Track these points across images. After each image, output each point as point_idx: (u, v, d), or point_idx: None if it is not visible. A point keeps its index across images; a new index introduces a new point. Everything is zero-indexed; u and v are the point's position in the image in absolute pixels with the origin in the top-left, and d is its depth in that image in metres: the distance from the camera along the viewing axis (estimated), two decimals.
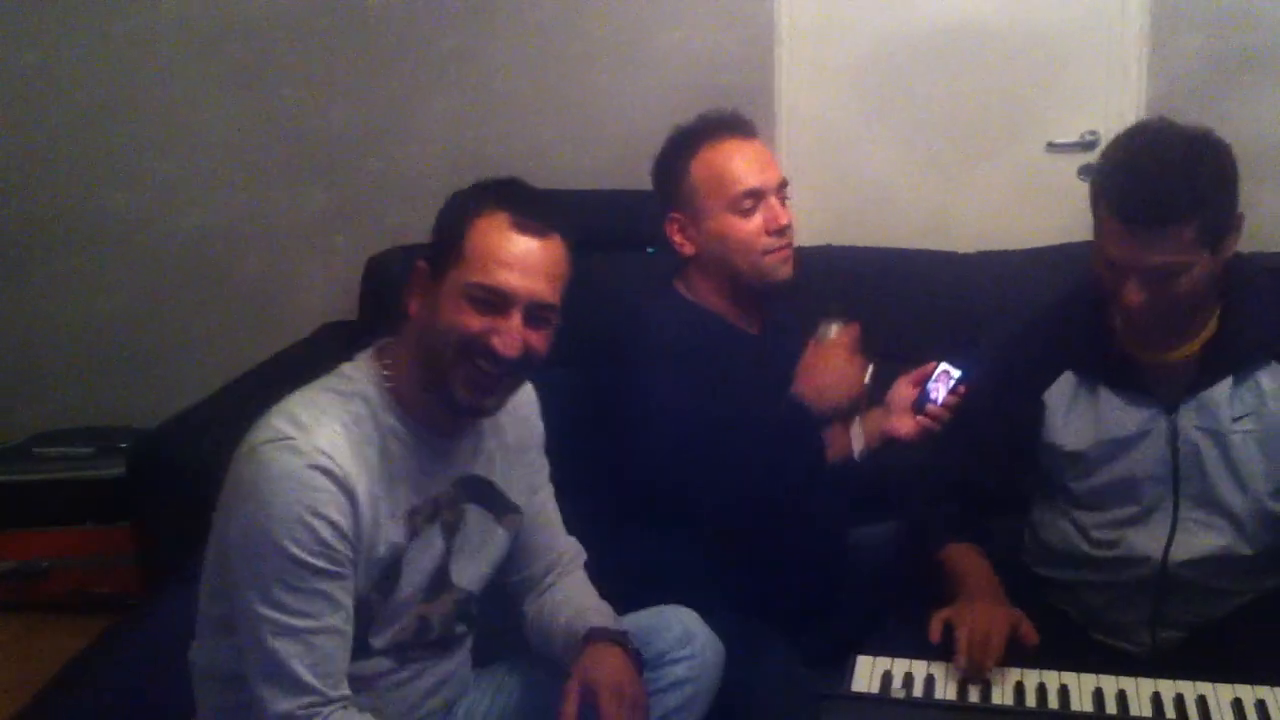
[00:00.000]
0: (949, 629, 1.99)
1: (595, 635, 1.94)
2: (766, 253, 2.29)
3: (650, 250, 3.36)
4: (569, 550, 2.15)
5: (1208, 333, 2.13)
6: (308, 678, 1.70)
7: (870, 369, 2.31)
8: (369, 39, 3.78)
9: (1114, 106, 3.50)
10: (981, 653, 1.94)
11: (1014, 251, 3.35)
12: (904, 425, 2.37)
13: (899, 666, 1.98)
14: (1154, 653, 2.18)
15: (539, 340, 1.81)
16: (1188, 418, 2.11)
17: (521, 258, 1.78)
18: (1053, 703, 1.91)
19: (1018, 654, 1.97)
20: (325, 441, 1.72)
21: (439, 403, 1.83)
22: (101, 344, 4.05)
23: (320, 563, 1.70)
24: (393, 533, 1.80)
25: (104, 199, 3.97)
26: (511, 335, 1.77)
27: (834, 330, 2.32)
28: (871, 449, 2.41)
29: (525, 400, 2.05)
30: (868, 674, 1.97)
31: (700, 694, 2.02)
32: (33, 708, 2.38)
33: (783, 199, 2.32)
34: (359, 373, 1.85)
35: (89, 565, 3.60)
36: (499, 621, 2.12)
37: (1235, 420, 2.10)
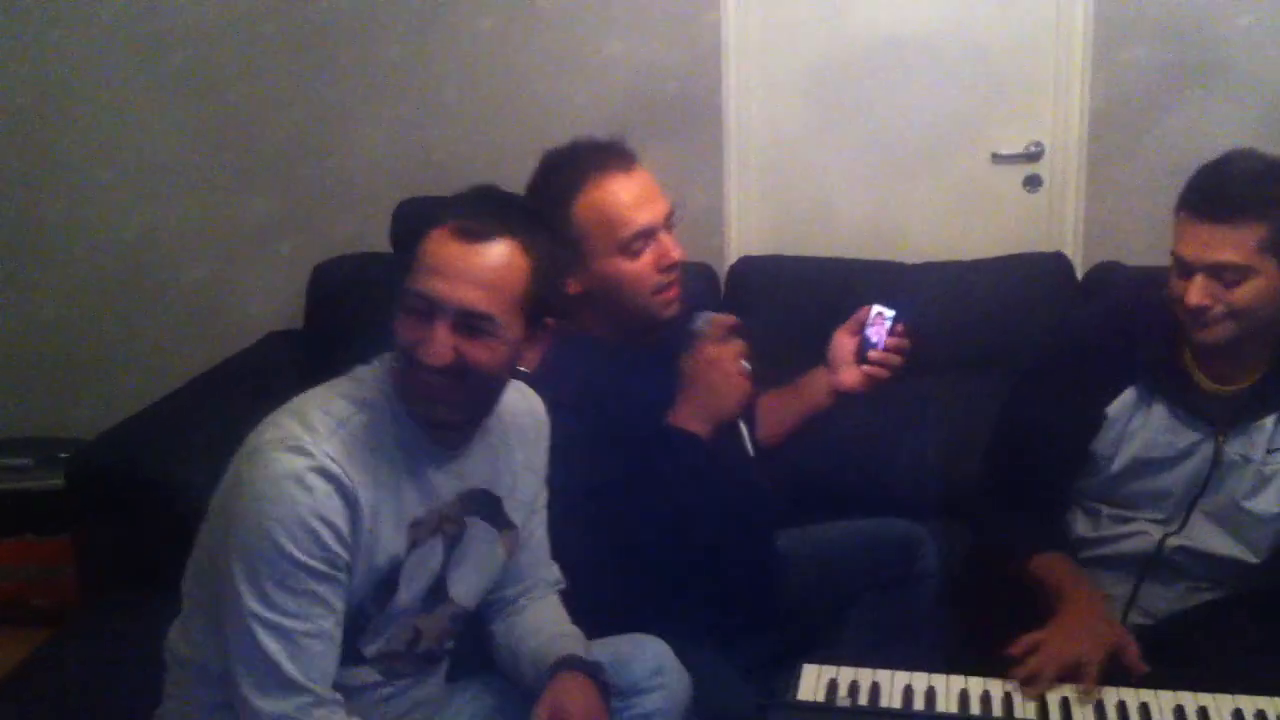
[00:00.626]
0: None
1: (566, 664, 1.91)
2: (656, 291, 2.20)
3: None
4: (549, 576, 2.13)
5: (1266, 364, 2.19)
6: (299, 679, 1.69)
7: (744, 359, 2.24)
8: (314, 47, 3.75)
9: (1059, 118, 3.53)
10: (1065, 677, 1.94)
11: (959, 262, 3.37)
12: (850, 377, 2.38)
13: (845, 675, 1.98)
14: None
15: (477, 351, 1.73)
16: (1233, 445, 2.19)
17: (451, 263, 1.72)
18: (996, 709, 1.92)
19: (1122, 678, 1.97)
20: (333, 447, 1.70)
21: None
22: (41, 353, 3.99)
23: (319, 565, 1.69)
24: (393, 543, 1.79)
25: (44, 206, 3.92)
26: (435, 344, 1.71)
27: (700, 321, 2.28)
28: (824, 409, 2.42)
29: (536, 423, 2.03)
30: (813, 682, 1.97)
31: None
32: None
33: (670, 228, 2.23)
34: (372, 380, 1.83)
35: (27, 577, 3.54)
36: (472, 638, 2.09)
37: (1270, 452, 2.18)
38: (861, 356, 2.37)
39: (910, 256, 3.43)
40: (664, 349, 2.27)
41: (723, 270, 3.49)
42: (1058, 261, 3.34)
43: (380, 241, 3.52)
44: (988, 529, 2.39)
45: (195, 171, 3.86)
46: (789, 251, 3.51)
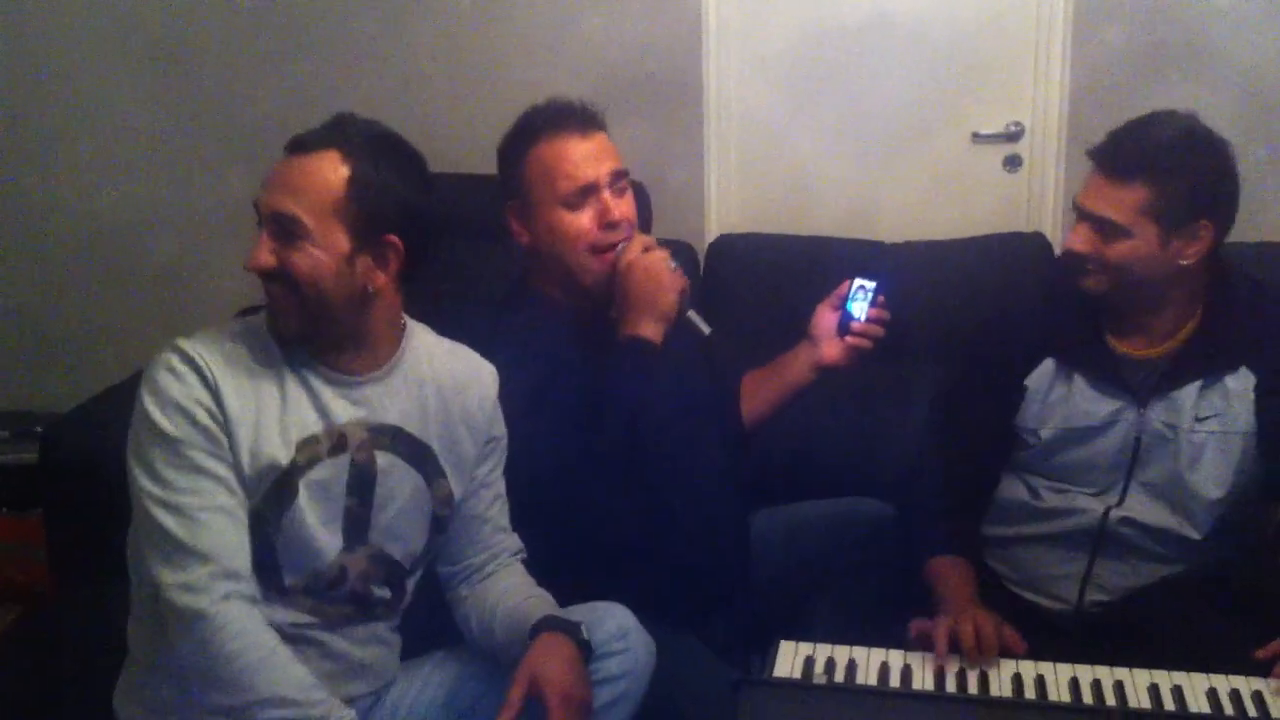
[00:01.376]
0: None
1: (545, 624, 1.93)
2: (594, 249, 2.23)
3: None
4: (511, 545, 2.14)
5: (1185, 333, 2.20)
6: (200, 548, 1.75)
7: (669, 258, 2.25)
8: (290, 23, 3.72)
9: (1039, 98, 3.53)
10: (983, 648, 1.96)
11: (939, 241, 3.36)
12: (832, 350, 2.39)
13: (821, 651, 1.98)
14: (1078, 615, 2.22)
15: (296, 257, 1.82)
16: (1155, 413, 2.19)
17: (274, 174, 1.86)
18: (973, 687, 1.92)
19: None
20: (200, 344, 1.83)
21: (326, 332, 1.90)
22: (16, 326, 3.98)
23: (197, 439, 1.78)
24: (278, 449, 1.84)
25: (19, 181, 3.89)
26: (257, 250, 1.83)
27: (622, 244, 2.27)
28: (807, 384, 2.43)
29: (477, 381, 2.07)
30: (790, 659, 1.97)
31: (632, 690, 2.01)
32: None
33: (620, 191, 2.27)
34: (256, 316, 1.94)
35: (2, 552, 3.51)
36: (428, 614, 2.10)
37: (1199, 420, 2.19)
38: (843, 329, 2.37)
39: (889, 236, 3.42)
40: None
41: (702, 248, 3.48)
42: (1037, 241, 3.34)
43: None
44: (905, 522, 2.41)
45: (170, 147, 3.84)
46: (768, 230, 3.50)
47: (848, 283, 2.38)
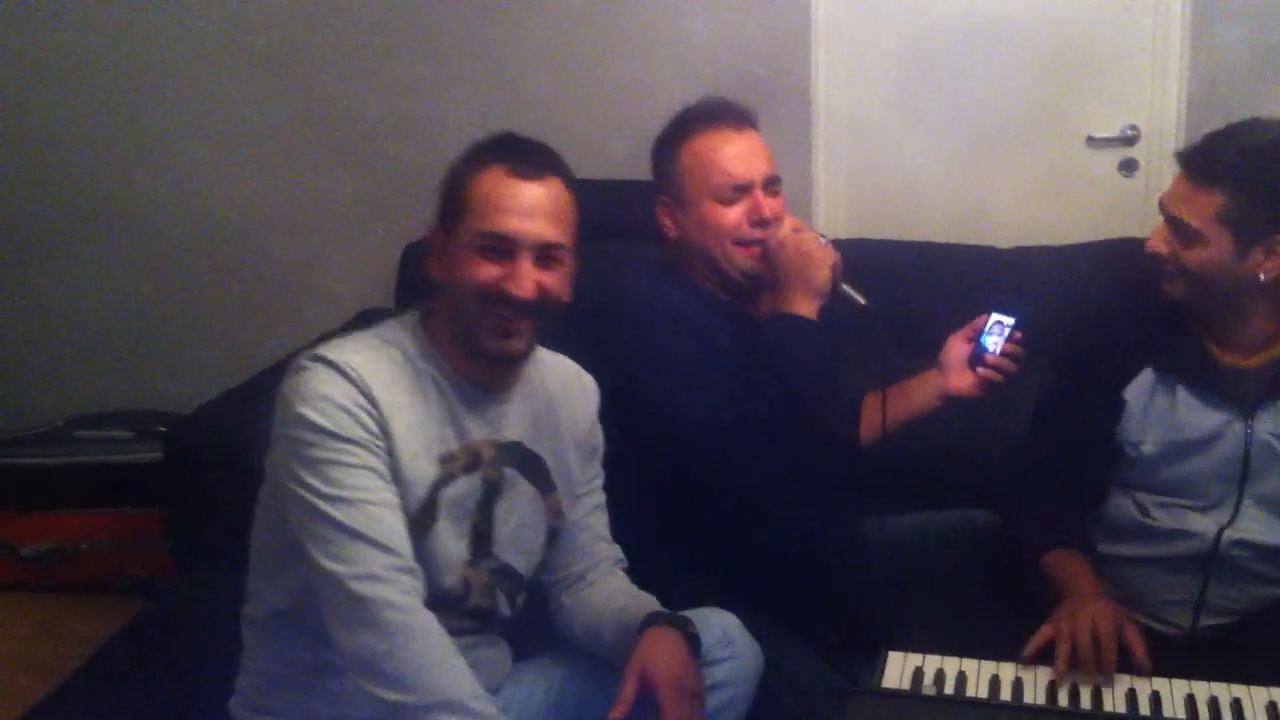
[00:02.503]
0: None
1: (654, 619, 1.94)
2: (740, 242, 2.28)
3: None
4: (611, 553, 2.16)
5: None
6: (380, 538, 1.76)
7: (819, 235, 2.32)
8: (401, 27, 3.77)
9: (1155, 101, 3.46)
10: (1093, 661, 1.93)
11: (1052, 247, 3.32)
12: (963, 381, 2.39)
13: (930, 663, 1.97)
14: (1191, 639, 2.17)
15: (553, 281, 1.88)
16: (1263, 423, 2.14)
17: (522, 202, 1.87)
18: (1085, 702, 1.90)
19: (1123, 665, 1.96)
20: (354, 359, 1.82)
21: (471, 355, 1.91)
22: (138, 327, 4.08)
23: (364, 438, 1.79)
24: (426, 468, 1.86)
25: (137, 184, 3.98)
26: (523, 278, 1.84)
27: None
28: (932, 412, 2.42)
29: (582, 392, 2.11)
30: (899, 670, 1.96)
31: (739, 698, 2.01)
32: (69, 687, 2.40)
33: (773, 193, 2.32)
34: (398, 325, 1.95)
35: (121, 548, 3.61)
36: (535, 618, 2.12)
37: None
38: (974, 361, 2.37)
39: (1000, 241, 3.38)
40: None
41: None
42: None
43: None
44: (1011, 523, 2.38)
45: (287, 150, 3.91)
46: (876, 235, 3.48)
47: (985, 316, 2.39)
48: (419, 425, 1.86)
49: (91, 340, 4.11)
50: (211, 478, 2.86)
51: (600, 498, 2.15)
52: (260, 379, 3.28)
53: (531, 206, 1.87)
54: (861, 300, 2.28)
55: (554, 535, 2.07)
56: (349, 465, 1.77)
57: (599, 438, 2.13)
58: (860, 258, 3.30)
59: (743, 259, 2.29)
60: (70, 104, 3.95)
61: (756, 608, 2.12)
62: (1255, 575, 2.15)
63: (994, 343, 2.36)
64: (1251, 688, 1.89)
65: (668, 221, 2.33)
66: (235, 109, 3.90)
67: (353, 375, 1.80)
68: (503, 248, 1.85)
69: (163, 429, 3.48)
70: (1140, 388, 2.21)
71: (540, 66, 3.74)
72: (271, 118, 3.89)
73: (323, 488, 1.76)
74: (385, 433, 1.81)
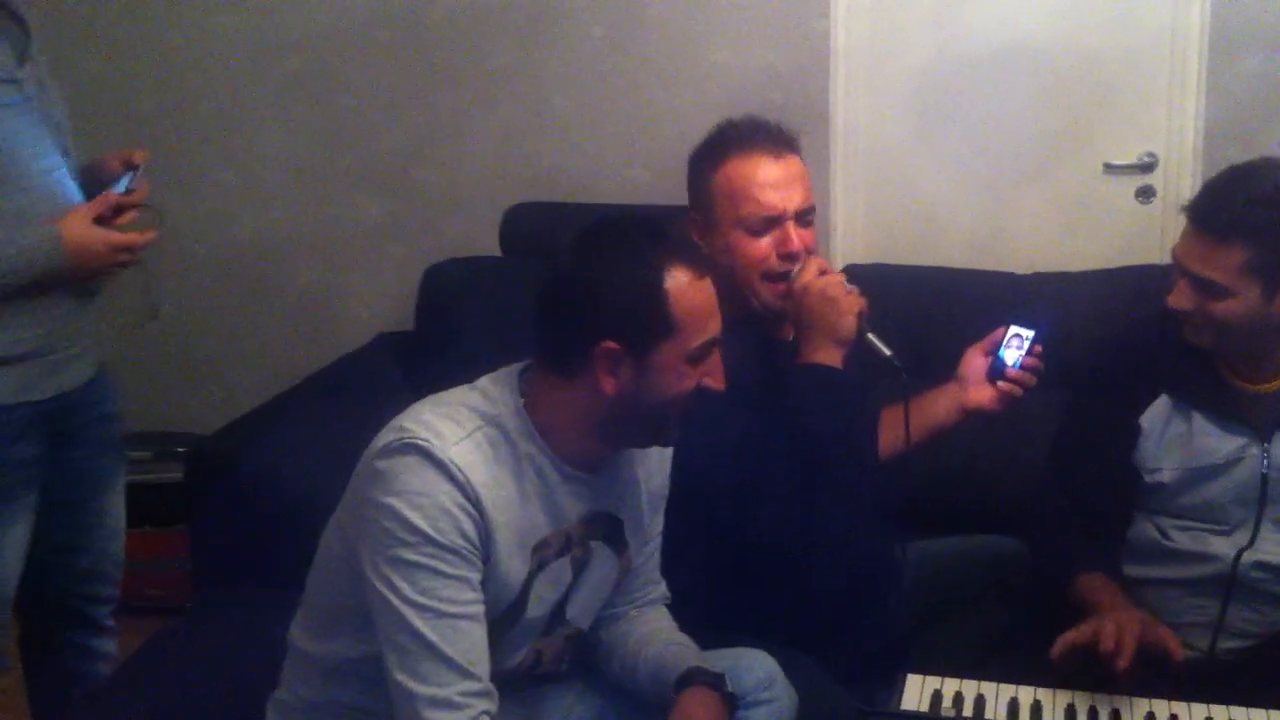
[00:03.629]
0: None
1: (690, 678, 1.90)
2: (767, 276, 2.21)
3: None
4: (656, 591, 2.13)
5: None
6: (460, 661, 1.70)
7: (845, 280, 2.22)
8: (426, 53, 3.80)
9: (1173, 128, 3.47)
10: (1120, 651, 1.92)
11: (1070, 273, 3.32)
12: (982, 395, 2.35)
13: (949, 685, 1.97)
14: (1210, 661, 2.17)
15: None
16: None
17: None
18: None
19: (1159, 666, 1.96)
20: (458, 453, 1.72)
21: (610, 446, 1.87)
22: (159, 349, 4.09)
23: (463, 547, 1.70)
24: (519, 563, 1.80)
25: (165, 206, 3.98)
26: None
27: (798, 268, 2.22)
28: (951, 426, 2.38)
29: (668, 451, 2.04)
30: (917, 692, 1.96)
31: None
32: (88, 706, 2.41)
33: (806, 224, 2.24)
34: (499, 395, 1.83)
35: (141, 569, 3.60)
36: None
37: None
38: (994, 375, 2.33)
39: (1018, 267, 3.39)
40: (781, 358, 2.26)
41: None
42: (1170, 274, 3.27)
43: (490, 245, 3.57)
44: (1038, 550, 2.37)
45: (310, 174, 3.94)
46: (895, 260, 3.49)
47: (1003, 329, 2.35)
48: (517, 520, 1.78)
49: (113, 361, 4.12)
50: (232, 499, 2.88)
51: (658, 540, 2.09)
52: (281, 401, 3.31)
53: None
54: (887, 351, 2.19)
55: (617, 586, 2.04)
56: (443, 575, 1.70)
57: (666, 483, 2.07)
58: (878, 283, 3.33)
59: (768, 294, 2.22)
60: (96, 128, 3.98)
61: (776, 630, 2.11)
62: (1275, 598, 2.16)
63: (1013, 356, 2.32)
64: (1270, 712, 1.89)
65: (696, 239, 2.21)
66: (260, 133, 3.94)
67: (458, 477, 1.70)
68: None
69: (183, 450, 3.50)
70: (1156, 414, 2.22)
71: (563, 93, 3.76)
72: (295, 141, 3.93)
73: (411, 594, 1.68)
74: (485, 536, 1.73)
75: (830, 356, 2.15)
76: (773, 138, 2.23)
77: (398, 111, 3.86)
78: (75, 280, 2.38)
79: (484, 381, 1.86)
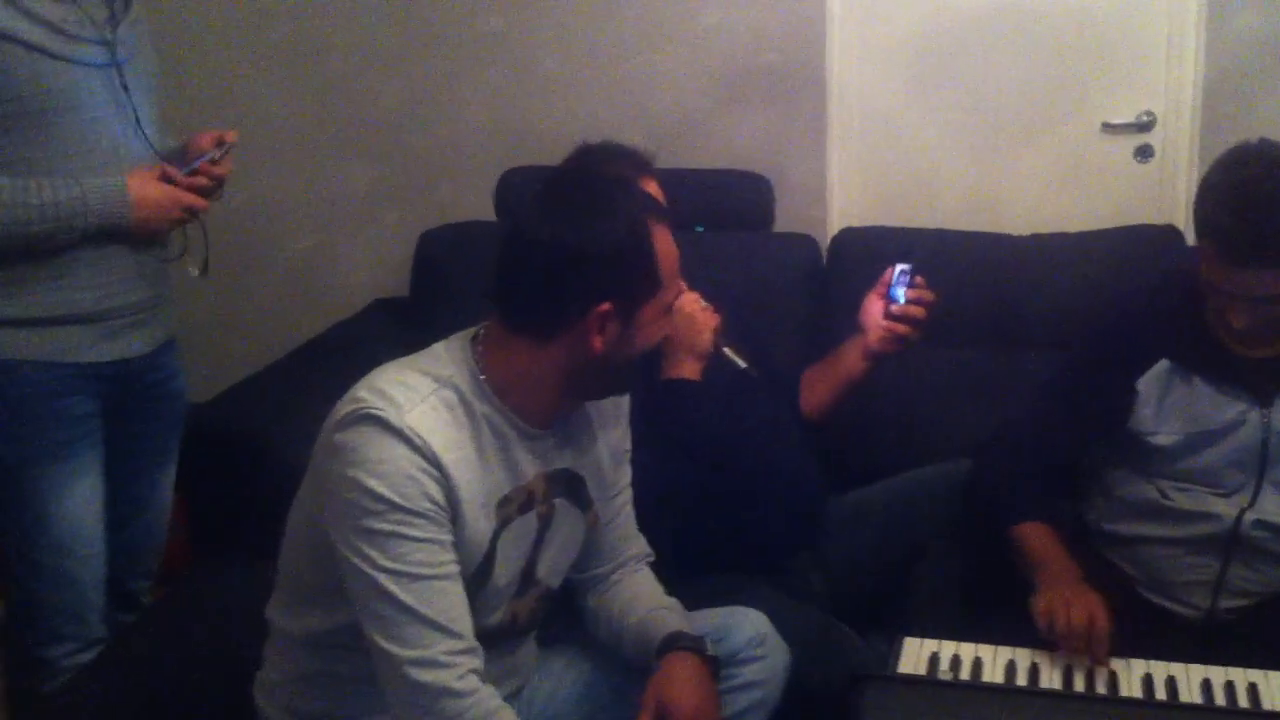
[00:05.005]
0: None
1: (672, 643, 1.92)
2: None
3: (699, 228, 3.36)
4: (638, 550, 2.13)
5: None
6: (441, 620, 1.71)
7: (699, 299, 2.36)
8: (417, 16, 3.78)
9: (1171, 87, 3.45)
10: (1093, 643, 1.95)
11: (1068, 234, 3.31)
12: (876, 336, 2.45)
13: (946, 649, 1.98)
14: (1210, 621, 2.18)
15: None
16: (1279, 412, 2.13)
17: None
18: (1101, 687, 1.90)
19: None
20: (414, 419, 1.71)
21: (573, 401, 1.89)
22: None
23: (430, 509, 1.71)
24: (484, 522, 1.80)
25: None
26: None
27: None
28: (863, 375, 2.50)
29: (620, 401, 2.04)
30: (914, 655, 1.96)
31: (768, 697, 2.02)
32: (87, 675, 2.41)
33: None
34: (452, 357, 1.83)
35: None
36: (563, 602, 2.11)
37: None
38: (888, 314, 2.41)
39: (1016, 228, 3.38)
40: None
41: (825, 241, 3.47)
42: (1169, 233, 3.27)
43: (485, 209, 3.56)
44: (980, 487, 2.37)
45: (302, 141, 3.92)
46: (892, 222, 3.48)
47: (891, 269, 2.43)
48: (479, 478, 1.78)
49: None
50: (228, 466, 2.88)
51: (628, 494, 2.10)
52: (274, 370, 3.30)
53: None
54: (742, 364, 2.36)
55: (587, 544, 2.04)
56: (413, 539, 1.70)
57: (629, 440, 2.09)
58: (875, 245, 3.34)
59: None
60: None
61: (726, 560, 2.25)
62: (1276, 557, 2.16)
63: (899, 292, 2.39)
64: (1269, 673, 1.90)
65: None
66: (251, 99, 3.91)
67: (416, 441, 1.70)
68: None
69: None
70: (1155, 378, 2.21)
71: (554, 56, 3.74)
72: (287, 107, 3.90)
73: (384, 561, 1.69)
74: (450, 497, 1.73)
75: (690, 370, 2.35)
76: (632, 161, 2.41)
77: (390, 76, 3.84)
78: (134, 233, 2.39)
79: (438, 346, 1.86)
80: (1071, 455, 2.31)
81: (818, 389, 2.59)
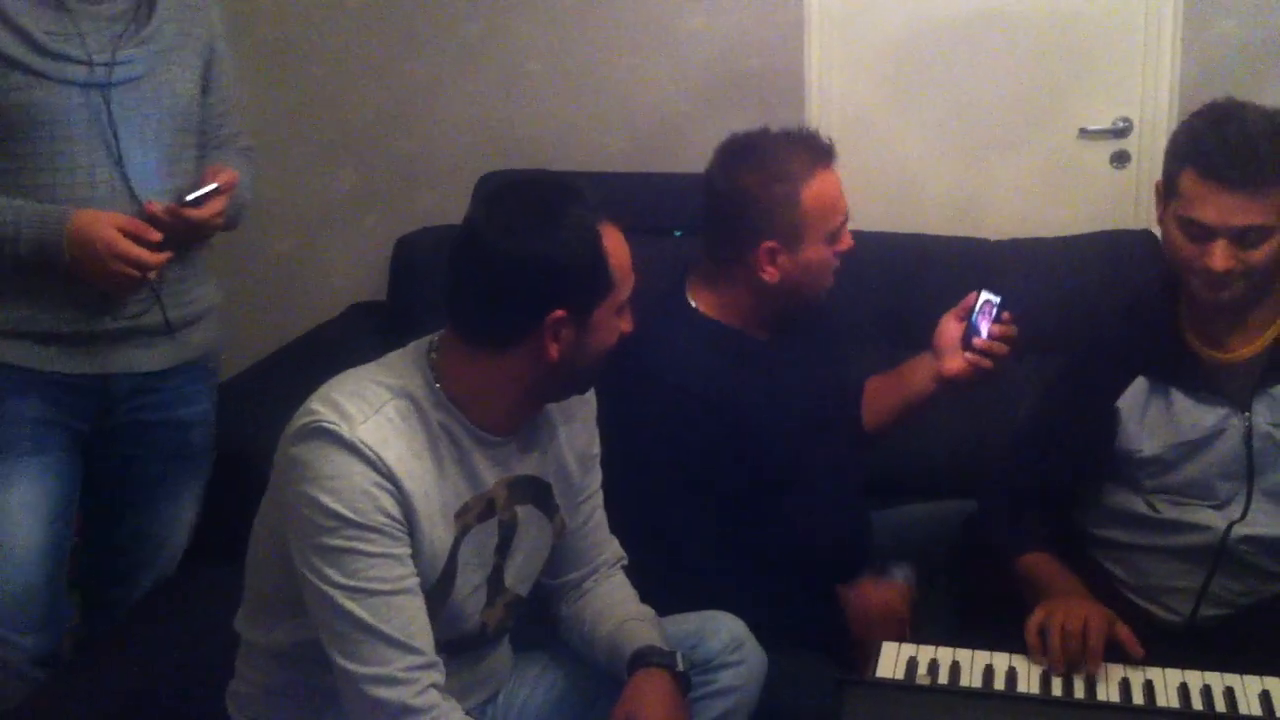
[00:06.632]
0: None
1: (642, 658, 1.91)
2: (832, 275, 2.32)
3: (677, 233, 3.36)
4: (611, 554, 2.13)
5: (1274, 330, 2.15)
6: (398, 636, 1.70)
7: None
8: (398, 20, 3.78)
9: (1147, 93, 3.47)
10: (1079, 651, 1.94)
11: (1045, 239, 3.33)
12: (955, 364, 2.33)
13: (924, 653, 1.98)
14: (1190, 626, 2.18)
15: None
16: (1260, 414, 2.13)
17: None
18: (1079, 692, 1.91)
19: (1116, 657, 1.97)
20: (366, 431, 1.71)
21: (532, 406, 1.87)
22: None
23: (385, 525, 1.70)
24: (444, 532, 1.79)
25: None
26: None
27: (900, 576, 2.34)
28: (930, 396, 2.41)
29: (582, 406, 2.02)
30: (892, 660, 1.96)
31: (744, 704, 2.01)
32: (66, 677, 2.40)
33: None
34: (408, 366, 1.82)
35: None
36: (537, 609, 2.11)
37: None
38: (966, 343, 2.31)
39: (994, 233, 3.39)
40: (783, 341, 2.34)
41: None
42: (1145, 238, 3.28)
43: (463, 214, 3.53)
44: (985, 524, 2.37)
45: (282, 144, 3.90)
46: (870, 227, 3.46)
47: (975, 295, 2.33)
48: (436, 488, 1.77)
49: None
50: (214, 465, 2.86)
51: (599, 499, 2.09)
52: (254, 372, 3.29)
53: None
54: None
55: (555, 550, 2.04)
56: (368, 555, 1.69)
57: (597, 444, 2.07)
58: (855, 249, 3.34)
59: (826, 291, 2.35)
60: None
61: (760, 608, 2.13)
62: (1262, 571, 2.15)
63: (984, 325, 2.30)
64: (1245, 677, 1.90)
65: (770, 267, 2.24)
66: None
67: (369, 455, 1.69)
68: None
69: None
70: (1134, 396, 2.20)
71: (536, 60, 3.74)
72: (267, 110, 3.88)
73: (339, 579, 1.68)
74: (406, 510, 1.72)
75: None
76: (825, 151, 2.31)
77: (370, 80, 3.83)
78: (72, 274, 2.21)
79: (394, 355, 1.86)
80: (1065, 480, 2.30)
81: (881, 404, 2.50)
